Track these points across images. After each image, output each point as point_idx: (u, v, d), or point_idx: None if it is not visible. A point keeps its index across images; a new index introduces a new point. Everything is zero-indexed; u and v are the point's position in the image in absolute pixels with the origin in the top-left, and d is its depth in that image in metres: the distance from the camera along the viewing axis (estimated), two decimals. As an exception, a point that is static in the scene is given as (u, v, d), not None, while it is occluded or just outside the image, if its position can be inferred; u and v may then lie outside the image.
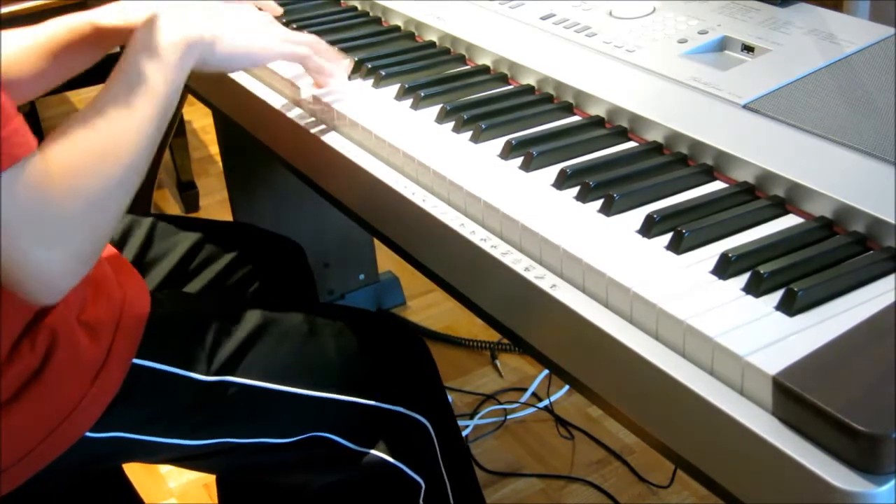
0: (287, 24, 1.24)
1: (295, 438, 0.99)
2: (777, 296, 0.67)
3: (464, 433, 1.79)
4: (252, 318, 0.99)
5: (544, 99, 1.00)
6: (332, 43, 1.16)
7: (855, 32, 0.95)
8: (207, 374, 0.94)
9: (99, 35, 1.06)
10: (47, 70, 1.05)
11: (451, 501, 1.05)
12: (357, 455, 1.00)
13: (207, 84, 1.28)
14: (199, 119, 2.92)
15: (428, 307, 2.14)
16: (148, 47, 0.88)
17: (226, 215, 2.00)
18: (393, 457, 1.00)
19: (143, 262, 1.16)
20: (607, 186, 0.82)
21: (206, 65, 0.92)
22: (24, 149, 0.72)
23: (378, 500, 1.03)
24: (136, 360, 0.91)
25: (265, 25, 0.99)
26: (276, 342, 0.99)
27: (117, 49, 1.05)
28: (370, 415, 1.00)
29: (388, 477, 1.01)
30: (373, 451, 1.00)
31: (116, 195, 0.81)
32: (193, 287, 1.19)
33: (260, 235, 1.28)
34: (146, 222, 1.19)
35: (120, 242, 1.16)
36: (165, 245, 1.18)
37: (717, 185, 0.83)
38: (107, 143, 0.80)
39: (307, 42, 1.02)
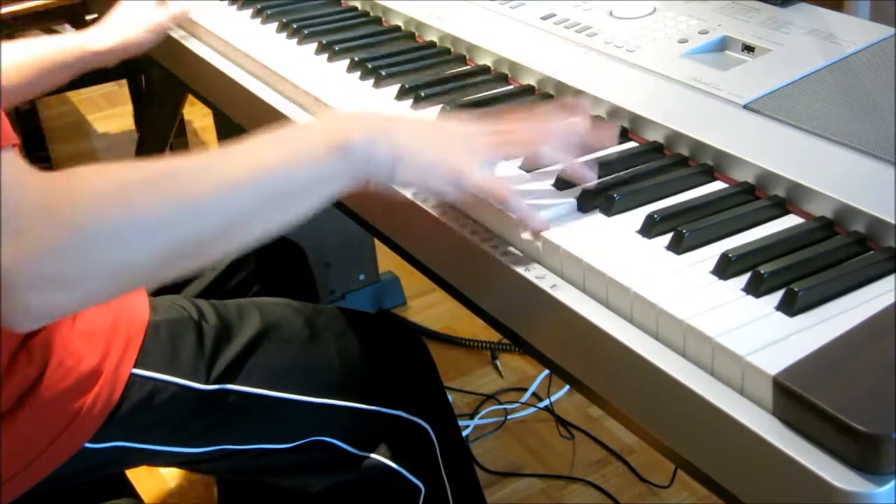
0: (287, 25, 1.24)
1: (295, 443, 0.98)
2: (777, 296, 0.67)
3: (464, 433, 1.79)
4: (252, 323, 0.99)
5: (545, 99, 1.00)
6: (332, 43, 1.16)
7: (855, 32, 0.95)
8: (207, 382, 0.94)
9: (87, 57, 1.21)
10: (35, 83, 1.18)
11: None
12: (357, 459, 1.00)
13: (207, 83, 1.28)
14: (199, 119, 2.92)
15: (428, 307, 2.14)
16: (306, 126, 0.80)
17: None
18: (393, 461, 1.00)
19: None
20: (607, 186, 0.82)
21: (378, 183, 0.79)
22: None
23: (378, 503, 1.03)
24: (134, 370, 0.90)
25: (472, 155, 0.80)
26: (276, 349, 0.99)
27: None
28: (371, 419, 1.00)
29: (388, 481, 1.01)
30: (373, 456, 1.00)
31: (140, 239, 0.66)
32: (193, 290, 1.19)
33: None
34: None
35: None
36: None
37: (717, 185, 0.83)
38: (168, 176, 0.69)
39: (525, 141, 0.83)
